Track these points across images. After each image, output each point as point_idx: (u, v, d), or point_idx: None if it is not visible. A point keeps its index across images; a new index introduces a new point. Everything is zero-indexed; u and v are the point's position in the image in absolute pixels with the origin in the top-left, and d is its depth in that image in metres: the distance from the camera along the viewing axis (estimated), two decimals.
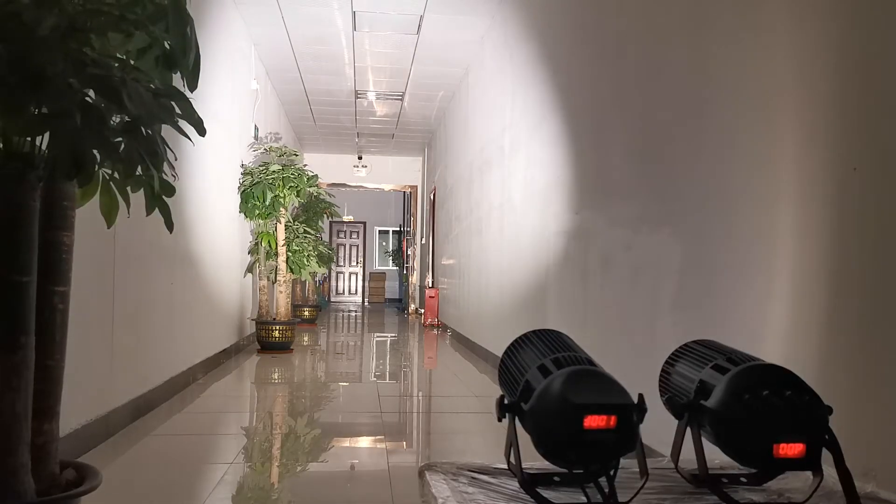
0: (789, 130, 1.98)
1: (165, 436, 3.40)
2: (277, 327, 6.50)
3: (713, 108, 2.40)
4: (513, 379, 1.30)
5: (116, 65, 1.26)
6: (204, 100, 4.82)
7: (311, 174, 6.71)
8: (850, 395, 1.65)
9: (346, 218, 16.29)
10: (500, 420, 1.23)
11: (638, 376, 2.22)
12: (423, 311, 10.62)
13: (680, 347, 1.43)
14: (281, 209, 6.53)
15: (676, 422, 1.28)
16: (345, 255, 17.54)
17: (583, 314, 3.69)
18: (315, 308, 10.72)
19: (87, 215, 1.51)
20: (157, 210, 1.41)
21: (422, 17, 6.51)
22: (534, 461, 1.22)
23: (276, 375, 5.54)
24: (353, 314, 13.19)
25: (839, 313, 1.74)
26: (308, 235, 7.43)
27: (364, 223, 17.50)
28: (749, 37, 2.20)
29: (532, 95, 5.08)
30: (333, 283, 17.25)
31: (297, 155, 7.01)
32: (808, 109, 1.90)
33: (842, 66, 1.78)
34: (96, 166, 1.25)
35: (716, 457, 1.26)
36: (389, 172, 13.46)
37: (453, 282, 8.83)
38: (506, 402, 1.23)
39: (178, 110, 1.36)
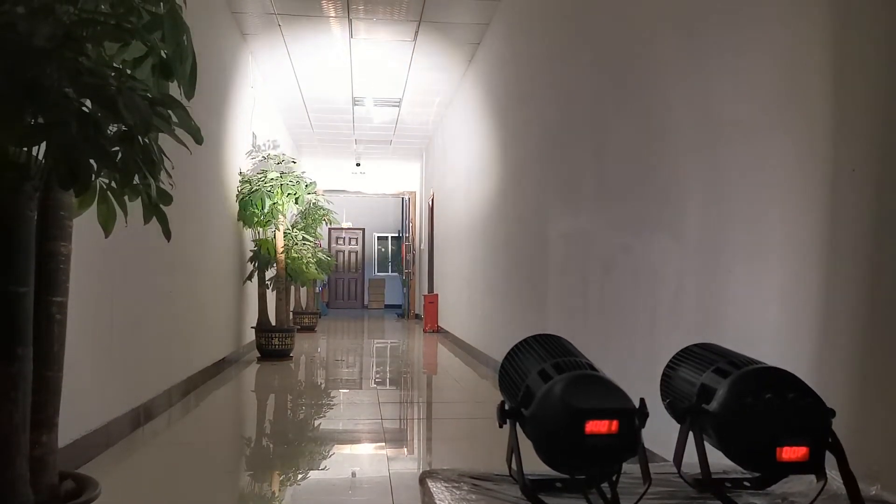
0: (787, 132, 1.98)
1: (165, 445, 3.39)
2: (277, 335, 6.48)
3: (709, 109, 2.40)
4: (513, 384, 1.30)
5: (112, 74, 1.25)
6: (201, 108, 4.82)
7: (309, 181, 6.71)
8: (854, 398, 1.65)
9: (344, 224, 16.28)
10: (500, 426, 1.22)
11: (639, 380, 2.22)
12: (422, 316, 10.60)
13: (681, 351, 1.42)
14: (279, 216, 6.53)
15: (678, 426, 1.28)
16: (344, 262, 17.52)
17: (583, 318, 3.69)
18: (315, 315, 10.70)
19: (84, 225, 1.50)
20: (154, 219, 1.41)
21: (419, 24, 6.52)
22: (535, 467, 1.21)
23: (275, 383, 5.53)
24: (353, 320, 13.18)
25: (841, 315, 1.73)
26: (307, 242, 7.43)
27: (363, 229, 17.50)
28: (742, 35, 2.20)
29: (530, 92, 5.08)
30: (333, 289, 17.23)
31: (294, 162, 7.01)
32: (805, 110, 1.90)
33: (839, 65, 1.78)
34: (93, 176, 1.24)
35: (719, 461, 1.25)
36: (388, 178, 13.47)
37: (453, 287, 8.82)
38: (506, 407, 1.22)
39: (175, 119, 1.36)
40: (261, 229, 6.63)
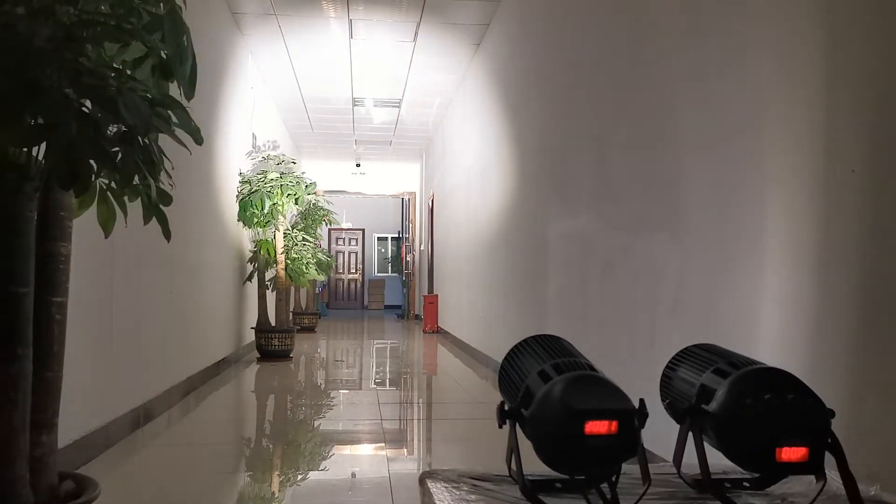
0: (787, 132, 1.98)
1: (165, 446, 3.39)
2: (277, 335, 6.49)
3: (709, 110, 2.40)
4: (513, 385, 1.30)
5: (112, 74, 1.25)
6: (201, 108, 4.82)
7: (309, 182, 6.71)
8: (853, 399, 1.65)
9: (344, 225, 16.28)
10: (500, 426, 1.22)
11: (639, 380, 2.21)
12: (422, 317, 10.60)
13: (680, 352, 1.42)
14: (279, 217, 6.53)
15: (678, 426, 1.28)
16: (344, 262, 17.53)
17: (583, 319, 3.69)
18: (314, 315, 10.70)
19: (84, 225, 1.50)
20: (154, 219, 1.41)
21: (418, 25, 6.52)
22: (535, 467, 1.21)
23: (275, 383, 5.52)
24: (353, 321, 13.17)
25: (841, 315, 1.74)
26: (307, 243, 7.42)
27: (363, 230, 17.50)
28: (743, 35, 2.20)
29: (530, 92, 5.08)
30: (333, 290, 17.23)
31: (294, 163, 7.01)
32: (805, 111, 1.90)
33: (839, 65, 1.78)
34: (93, 176, 1.24)
35: (718, 461, 1.25)
36: (388, 179, 13.47)
37: (453, 287, 8.82)
38: (506, 408, 1.22)
39: (175, 119, 1.36)
40: (261, 230, 6.63)
